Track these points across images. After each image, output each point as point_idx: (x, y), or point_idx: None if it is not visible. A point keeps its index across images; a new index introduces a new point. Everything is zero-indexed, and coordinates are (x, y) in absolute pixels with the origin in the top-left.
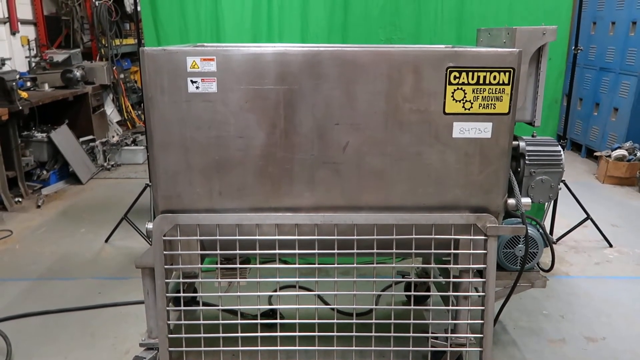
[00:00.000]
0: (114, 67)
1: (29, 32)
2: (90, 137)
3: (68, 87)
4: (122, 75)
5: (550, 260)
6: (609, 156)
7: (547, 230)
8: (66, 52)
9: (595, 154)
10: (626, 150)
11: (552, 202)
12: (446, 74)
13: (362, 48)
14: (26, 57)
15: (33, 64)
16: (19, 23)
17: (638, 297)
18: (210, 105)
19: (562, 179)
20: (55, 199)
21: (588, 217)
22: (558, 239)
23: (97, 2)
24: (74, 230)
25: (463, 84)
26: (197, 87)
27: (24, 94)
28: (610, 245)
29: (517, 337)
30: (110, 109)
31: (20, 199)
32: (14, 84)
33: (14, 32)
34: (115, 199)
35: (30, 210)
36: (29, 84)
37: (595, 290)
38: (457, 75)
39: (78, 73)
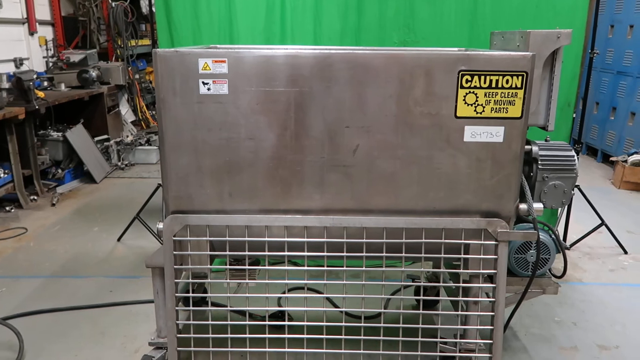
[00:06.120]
0: (130, 68)
1: (47, 32)
2: (105, 136)
3: (84, 87)
4: (137, 76)
5: (562, 267)
6: (626, 161)
7: (560, 236)
8: (83, 53)
9: (611, 159)
10: None
11: (566, 207)
12: (458, 78)
13: (374, 51)
14: (44, 57)
15: (50, 64)
16: (37, 24)
17: None
18: (222, 106)
19: (576, 184)
20: (69, 198)
21: (603, 223)
22: (572, 245)
23: (113, 3)
24: (88, 229)
25: (475, 87)
26: (208, 89)
27: (41, 94)
28: (625, 252)
29: (528, 343)
30: (124, 109)
31: (35, 197)
32: (31, 83)
33: (32, 32)
34: (128, 198)
35: (45, 209)
36: (45, 83)
37: (609, 298)
38: (469, 78)
39: (94, 73)
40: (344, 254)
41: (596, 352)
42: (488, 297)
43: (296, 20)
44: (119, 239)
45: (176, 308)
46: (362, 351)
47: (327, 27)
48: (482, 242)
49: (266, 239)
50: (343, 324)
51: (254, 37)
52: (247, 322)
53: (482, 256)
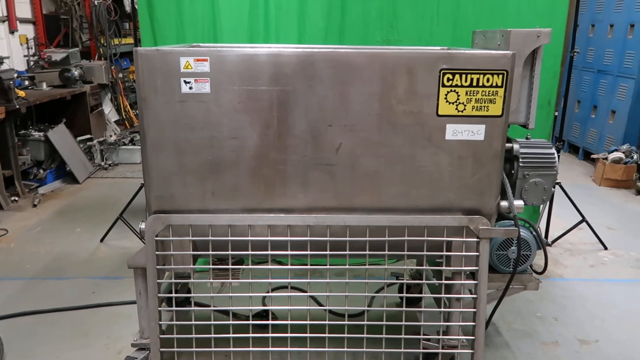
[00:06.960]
0: (113, 67)
1: (28, 30)
2: (88, 136)
3: (66, 86)
4: (120, 75)
5: (544, 263)
6: (606, 159)
7: (542, 232)
8: (65, 51)
9: (592, 156)
10: (623, 152)
11: (548, 204)
12: (440, 76)
13: (356, 49)
14: (24, 55)
15: (31, 63)
16: (17, 22)
17: (632, 300)
18: (204, 105)
19: (558, 181)
20: (51, 198)
21: (583, 220)
22: (553, 242)
23: (96, 1)
24: (70, 230)
25: (456, 86)
26: (190, 88)
27: (22, 93)
28: (606, 248)
29: (510, 339)
30: (108, 108)
31: (16, 198)
32: (11, 82)
33: (12, 30)
34: (111, 198)
35: (27, 209)
36: (26, 82)
37: (589, 293)
38: (451, 77)
39: (76, 72)
40: (328, 252)
41: (577, 346)
42: (470, 293)
43: (280, 19)
44: (102, 240)
45: (159, 309)
46: (345, 349)
47: (311, 25)
48: (464, 239)
49: (249, 238)
50: (327, 322)
51: (238, 36)
52: (231, 322)
53: (464, 253)
